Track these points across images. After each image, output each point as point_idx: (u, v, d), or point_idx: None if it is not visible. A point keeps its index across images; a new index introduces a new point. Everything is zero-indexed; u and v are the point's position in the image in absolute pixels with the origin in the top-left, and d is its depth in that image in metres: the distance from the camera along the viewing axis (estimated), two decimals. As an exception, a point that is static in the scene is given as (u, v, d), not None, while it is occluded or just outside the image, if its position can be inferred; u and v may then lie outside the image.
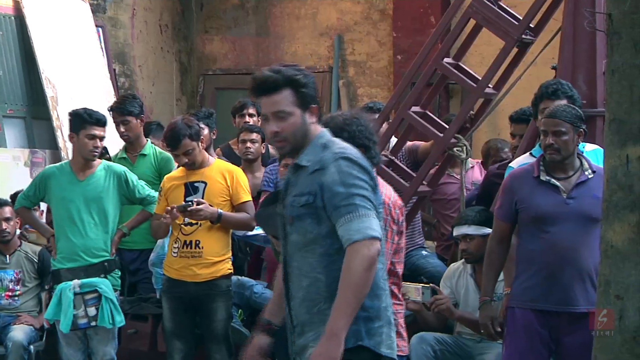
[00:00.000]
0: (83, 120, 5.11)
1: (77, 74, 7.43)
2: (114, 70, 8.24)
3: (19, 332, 5.58)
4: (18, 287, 5.83)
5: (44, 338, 5.72)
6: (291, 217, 3.09)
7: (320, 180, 3.02)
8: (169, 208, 4.90)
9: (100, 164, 5.23)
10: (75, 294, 5.00)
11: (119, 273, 5.27)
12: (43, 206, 6.02)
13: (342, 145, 3.11)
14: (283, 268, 3.17)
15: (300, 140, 3.10)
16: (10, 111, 7.04)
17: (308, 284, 3.06)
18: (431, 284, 4.91)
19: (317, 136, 3.12)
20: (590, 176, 4.15)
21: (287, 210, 3.12)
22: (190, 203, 4.93)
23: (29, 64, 7.16)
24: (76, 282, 5.02)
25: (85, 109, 5.22)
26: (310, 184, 3.04)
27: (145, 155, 5.90)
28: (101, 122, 5.15)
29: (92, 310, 5.01)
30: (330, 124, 3.50)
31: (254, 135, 6.08)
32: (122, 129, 5.88)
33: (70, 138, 5.22)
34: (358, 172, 3.02)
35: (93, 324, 5.01)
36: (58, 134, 7.01)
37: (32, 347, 5.63)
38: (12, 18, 7.18)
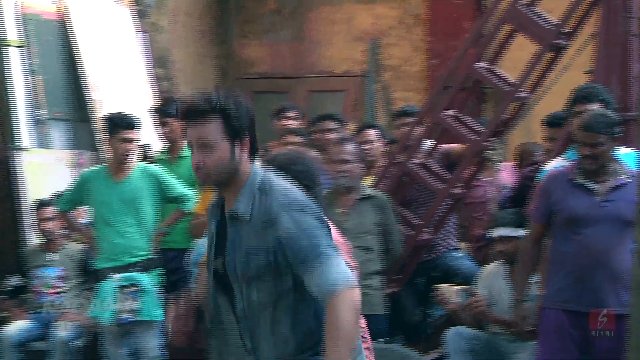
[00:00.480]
0: (115, 124, 5.23)
1: (119, 78, 7.60)
2: (155, 74, 8.39)
3: (63, 329, 5.71)
4: (62, 284, 5.97)
5: (88, 335, 5.83)
6: (247, 277, 2.81)
7: (275, 236, 2.76)
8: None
9: (135, 166, 5.35)
10: (116, 287, 5.12)
11: (160, 271, 5.38)
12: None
13: (284, 191, 2.82)
14: (239, 326, 2.88)
15: (225, 177, 2.80)
16: (55, 114, 7.21)
17: (275, 342, 2.84)
18: (468, 287, 4.97)
19: (249, 176, 2.83)
20: (626, 180, 4.20)
21: (237, 268, 2.82)
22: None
23: (73, 68, 7.33)
24: (117, 275, 5.15)
25: (117, 113, 5.34)
26: (263, 241, 2.78)
27: (184, 157, 6.03)
28: (133, 126, 5.25)
29: (132, 304, 5.13)
30: (274, 162, 3.36)
31: (298, 139, 6.18)
32: (162, 131, 6.02)
33: (107, 142, 5.34)
34: (312, 217, 2.78)
35: (134, 318, 5.13)
36: (100, 136, 7.18)
37: (75, 343, 5.75)
38: (57, 23, 7.35)
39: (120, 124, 5.22)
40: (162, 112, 6.01)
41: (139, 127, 5.33)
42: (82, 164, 7.09)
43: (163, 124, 6.00)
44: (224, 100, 2.80)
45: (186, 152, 6.06)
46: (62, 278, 5.96)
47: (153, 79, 8.15)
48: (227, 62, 9.51)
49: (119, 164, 5.28)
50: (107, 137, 5.30)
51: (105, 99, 7.31)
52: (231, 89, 2.88)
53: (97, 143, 7.22)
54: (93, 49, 7.41)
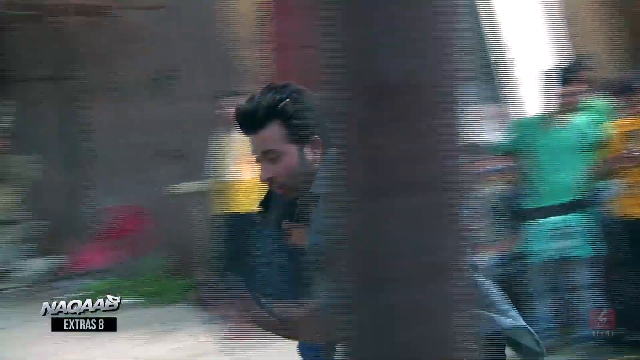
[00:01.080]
0: (564, 75, 5.70)
1: (530, 37, 7.84)
2: (565, 33, 8.41)
3: (482, 259, 5.71)
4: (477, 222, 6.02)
5: (511, 267, 5.94)
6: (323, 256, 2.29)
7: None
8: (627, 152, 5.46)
9: (575, 114, 5.72)
10: (548, 226, 5.46)
11: (591, 209, 5.63)
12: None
13: None
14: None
15: (301, 183, 2.41)
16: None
17: None
18: None
19: (325, 163, 2.40)
20: None
21: (318, 248, 2.36)
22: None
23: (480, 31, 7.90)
24: (549, 214, 5.47)
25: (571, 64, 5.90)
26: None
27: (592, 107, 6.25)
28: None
29: (564, 243, 5.42)
30: None
31: None
32: (564, 91, 6.00)
33: (552, 92, 5.78)
34: None
35: (566, 255, 5.44)
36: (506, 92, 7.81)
37: (498, 271, 5.83)
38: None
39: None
40: (569, 71, 6.07)
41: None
42: (496, 116, 7.41)
43: (567, 82, 5.99)
44: (281, 101, 2.42)
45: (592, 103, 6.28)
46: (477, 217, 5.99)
47: (564, 38, 8.24)
48: (622, 20, 9.08)
49: (565, 112, 5.65)
50: (558, 87, 5.76)
51: (516, 58, 7.83)
52: (290, 84, 2.48)
53: (502, 98, 7.74)
54: (506, 11, 7.46)
